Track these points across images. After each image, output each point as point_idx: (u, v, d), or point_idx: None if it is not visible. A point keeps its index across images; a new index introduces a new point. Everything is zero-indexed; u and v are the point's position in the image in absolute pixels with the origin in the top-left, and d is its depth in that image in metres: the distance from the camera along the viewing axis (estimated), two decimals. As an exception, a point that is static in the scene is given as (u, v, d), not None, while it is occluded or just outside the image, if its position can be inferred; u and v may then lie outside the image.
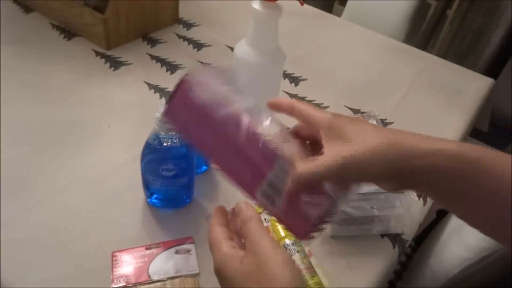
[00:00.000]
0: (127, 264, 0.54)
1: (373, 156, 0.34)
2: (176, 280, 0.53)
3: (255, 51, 0.63)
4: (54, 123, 0.74)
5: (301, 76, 0.95)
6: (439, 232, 0.83)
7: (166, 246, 0.57)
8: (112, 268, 0.54)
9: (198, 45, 1.00)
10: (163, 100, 0.83)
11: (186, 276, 0.54)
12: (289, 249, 0.56)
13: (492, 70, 1.88)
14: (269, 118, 0.38)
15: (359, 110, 0.87)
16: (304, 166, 0.35)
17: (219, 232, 0.38)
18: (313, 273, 0.54)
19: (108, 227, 0.59)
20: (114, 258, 0.55)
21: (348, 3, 1.46)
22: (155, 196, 0.62)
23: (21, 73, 0.84)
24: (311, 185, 0.36)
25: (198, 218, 0.62)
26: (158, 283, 0.53)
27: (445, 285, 0.72)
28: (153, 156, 0.57)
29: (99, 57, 0.91)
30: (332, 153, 0.36)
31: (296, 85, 0.92)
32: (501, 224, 0.34)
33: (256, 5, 0.60)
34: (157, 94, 0.84)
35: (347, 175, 0.35)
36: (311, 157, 0.36)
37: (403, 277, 0.88)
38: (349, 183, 0.37)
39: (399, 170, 0.34)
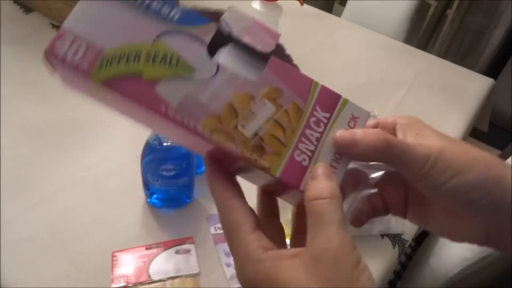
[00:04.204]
0: (127, 264, 0.54)
1: (477, 162, 0.27)
2: (176, 280, 0.53)
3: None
4: (54, 123, 0.74)
5: (301, 76, 0.95)
6: (439, 232, 0.83)
7: (166, 246, 0.57)
8: (112, 268, 0.54)
9: (198, 45, 1.00)
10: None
11: (186, 276, 0.54)
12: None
13: (492, 70, 1.88)
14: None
15: (359, 110, 0.87)
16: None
17: (241, 213, 0.27)
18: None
19: (108, 227, 0.59)
20: (114, 258, 0.55)
21: (348, 3, 1.46)
22: (155, 196, 0.62)
23: (21, 73, 0.84)
24: (392, 157, 0.28)
25: (198, 218, 0.62)
26: (158, 283, 0.53)
27: (445, 285, 0.72)
28: (153, 156, 0.58)
29: (99, 57, 0.91)
30: (418, 141, 0.29)
31: (296, 85, 0.92)
32: None
33: (256, 5, 0.60)
34: (157, 94, 0.84)
35: (436, 169, 0.27)
36: None
37: (403, 277, 0.88)
38: (429, 184, 0.28)
39: (501, 191, 0.27)
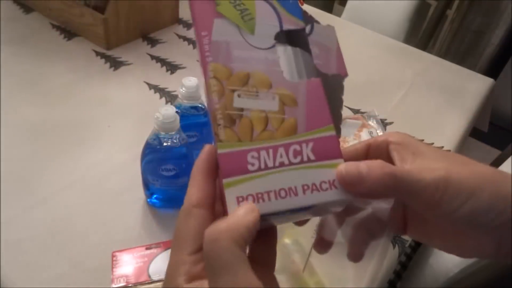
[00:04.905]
0: (127, 264, 0.54)
1: (486, 181, 0.26)
2: (176, 280, 0.53)
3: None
4: (54, 123, 0.74)
5: (301, 76, 0.95)
6: (439, 232, 0.83)
7: (166, 246, 0.57)
8: (112, 268, 0.54)
9: (198, 45, 1.00)
10: (163, 100, 0.83)
11: (186, 276, 0.54)
12: (288, 249, 0.56)
13: (492, 70, 1.88)
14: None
15: (359, 110, 0.87)
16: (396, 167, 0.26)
17: (193, 227, 0.25)
18: (313, 273, 0.54)
19: (108, 227, 0.59)
20: (114, 258, 0.55)
21: (348, 3, 1.46)
22: (155, 196, 0.62)
23: (21, 73, 0.84)
24: (388, 191, 0.26)
25: (198, 218, 0.62)
26: (158, 283, 0.53)
27: (446, 284, 0.72)
28: (153, 156, 0.57)
29: (99, 57, 0.91)
30: (423, 165, 0.27)
31: (296, 85, 0.92)
32: None
33: (256, 5, 0.59)
34: (157, 94, 0.84)
35: (447, 197, 0.25)
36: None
37: (403, 277, 0.88)
38: (440, 212, 0.26)
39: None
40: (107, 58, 0.91)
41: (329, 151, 0.27)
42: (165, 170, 0.57)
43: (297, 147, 0.27)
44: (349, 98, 0.29)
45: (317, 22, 0.30)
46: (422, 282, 0.78)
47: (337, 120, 0.28)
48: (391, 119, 0.87)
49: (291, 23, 0.29)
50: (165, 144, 0.56)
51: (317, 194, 0.26)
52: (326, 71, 0.29)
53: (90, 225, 0.59)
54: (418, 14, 1.43)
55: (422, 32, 1.88)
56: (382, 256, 0.62)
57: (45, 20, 1.00)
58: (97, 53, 0.92)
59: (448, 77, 1.04)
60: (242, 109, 0.27)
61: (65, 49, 0.92)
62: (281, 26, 0.29)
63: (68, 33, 0.97)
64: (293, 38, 0.29)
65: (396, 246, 0.63)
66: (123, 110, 0.79)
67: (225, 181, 0.25)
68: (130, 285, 0.52)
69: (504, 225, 0.26)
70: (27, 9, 1.02)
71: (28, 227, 0.58)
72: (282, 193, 0.26)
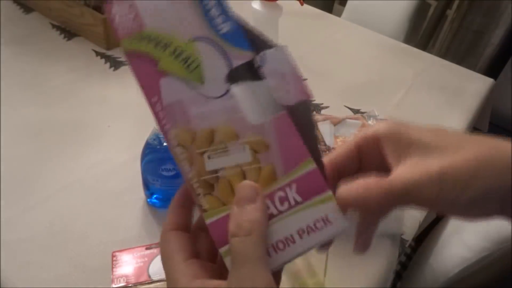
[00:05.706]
0: (127, 264, 0.54)
1: (479, 167, 0.25)
2: (176, 280, 0.53)
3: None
4: (54, 123, 0.74)
5: (301, 76, 0.95)
6: (439, 232, 0.83)
7: (166, 246, 0.57)
8: (112, 268, 0.54)
9: (198, 45, 1.00)
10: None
11: (186, 276, 0.54)
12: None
13: (492, 70, 1.88)
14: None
15: (359, 110, 0.87)
16: (385, 181, 0.26)
17: (175, 243, 0.27)
18: (313, 273, 0.54)
19: (108, 227, 0.59)
20: (114, 258, 0.55)
21: (348, 3, 1.46)
22: (155, 196, 0.62)
23: (21, 73, 0.84)
24: (385, 208, 0.26)
25: (198, 218, 0.62)
26: (158, 283, 0.53)
27: (445, 284, 0.72)
28: (153, 156, 0.58)
29: (99, 57, 0.91)
30: (416, 166, 0.26)
31: (296, 85, 0.92)
32: None
33: (256, 5, 0.60)
34: (157, 94, 0.84)
35: (443, 194, 0.25)
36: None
37: (403, 277, 0.88)
38: (441, 207, 0.26)
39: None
40: (107, 58, 0.91)
41: (314, 187, 0.26)
42: (165, 170, 0.57)
43: (282, 194, 0.26)
44: (349, 98, 0.29)
45: (268, 45, 0.27)
46: (422, 282, 0.78)
47: (314, 145, 0.26)
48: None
49: (240, 58, 0.26)
50: (165, 144, 0.56)
51: (314, 235, 0.25)
52: (288, 102, 0.26)
53: (90, 225, 0.59)
54: (418, 14, 1.43)
55: (422, 32, 1.88)
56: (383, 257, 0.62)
57: (45, 20, 1.00)
58: (97, 53, 0.92)
59: (448, 77, 1.04)
60: (216, 171, 0.26)
61: (65, 49, 0.92)
62: (230, 64, 0.26)
63: (68, 33, 0.97)
64: (245, 74, 0.26)
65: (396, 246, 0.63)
66: (123, 110, 0.79)
67: (221, 250, 0.25)
68: (130, 285, 0.52)
69: (505, 194, 0.25)
70: (27, 9, 1.02)
71: (28, 227, 0.58)
72: (280, 245, 0.25)
